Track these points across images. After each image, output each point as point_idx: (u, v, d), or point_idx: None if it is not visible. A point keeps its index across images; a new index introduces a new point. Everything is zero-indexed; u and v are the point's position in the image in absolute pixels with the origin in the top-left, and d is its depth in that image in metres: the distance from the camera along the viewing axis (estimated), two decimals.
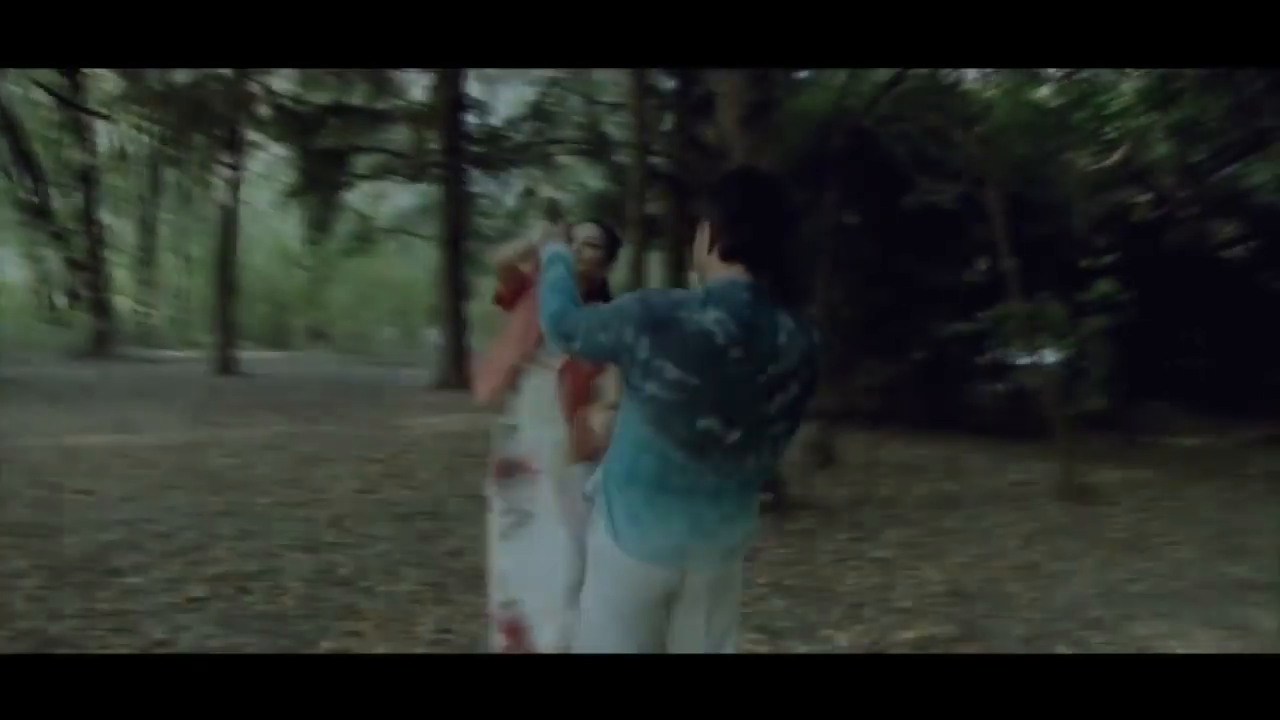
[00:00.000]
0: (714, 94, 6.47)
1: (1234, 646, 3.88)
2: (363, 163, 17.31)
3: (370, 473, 6.92)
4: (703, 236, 1.77)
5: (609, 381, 2.71)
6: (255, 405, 11.45)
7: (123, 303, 24.77)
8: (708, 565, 1.77)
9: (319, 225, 19.29)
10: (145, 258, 26.25)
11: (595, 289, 2.66)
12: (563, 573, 2.60)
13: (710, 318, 1.64)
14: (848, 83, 9.72)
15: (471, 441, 8.58)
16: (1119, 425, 11.45)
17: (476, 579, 3.90)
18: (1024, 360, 10.85)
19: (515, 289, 2.74)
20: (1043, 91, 11.50)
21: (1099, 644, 3.82)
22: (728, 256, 1.71)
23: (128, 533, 4.75)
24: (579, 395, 2.68)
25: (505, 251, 2.65)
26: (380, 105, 16.38)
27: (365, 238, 20.47)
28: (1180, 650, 3.79)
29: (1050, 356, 8.19)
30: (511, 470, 2.75)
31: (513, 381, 2.73)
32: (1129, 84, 10.86)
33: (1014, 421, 12.07)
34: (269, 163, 21.69)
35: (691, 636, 1.82)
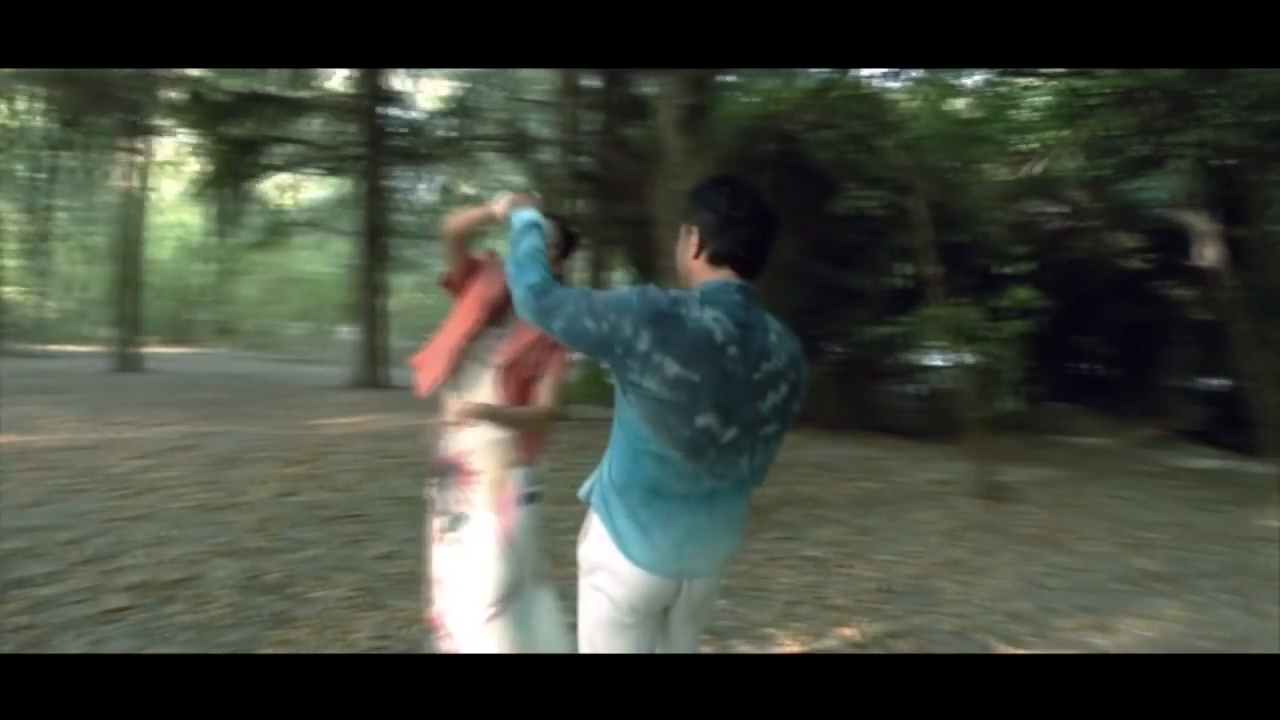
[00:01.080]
0: (641, 95, 6.49)
1: (1146, 635, 4.11)
2: (278, 153, 16.63)
3: (290, 475, 6.68)
4: (688, 241, 1.77)
5: (546, 387, 2.63)
6: (161, 404, 10.93)
7: (11, 293, 23.31)
8: (705, 573, 1.77)
9: (228, 217, 18.47)
10: (37, 246, 24.74)
11: None
12: (493, 577, 2.54)
13: (709, 316, 1.66)
14: (775, 88, 9.87)
15: (392, 442, 8.38)
16: (1027, 426, 11.95)
17: (410, 584, 3.82)
18: (939, 363, 11.21)
19: (465, 271, 2.59)
20: (960, 103, 11.91)
21: (1024, 636, 3.98)
22: (716, 260, 1.72)
23: (32, 540, 4.46)
24: (520, 396, 2.59)
25: (461, 219, 2.43)
26: (298, 94, 15.77)
27: (276, 231, 19.67)
28: (1101, 640, 3.99)
29: (964, 359, 8.45)
30: (446, 470, 2.62)
31: (455, 371, 2.58)
32: (1041, 98, 11.35)
33: (928, 422, 12.49)
34: (174, 148, 20.74)
35: (665, 649, 1.81)
